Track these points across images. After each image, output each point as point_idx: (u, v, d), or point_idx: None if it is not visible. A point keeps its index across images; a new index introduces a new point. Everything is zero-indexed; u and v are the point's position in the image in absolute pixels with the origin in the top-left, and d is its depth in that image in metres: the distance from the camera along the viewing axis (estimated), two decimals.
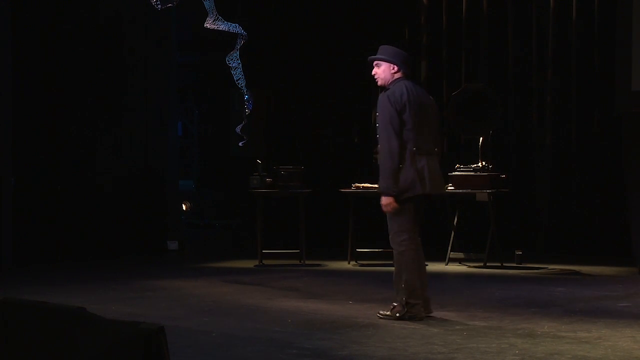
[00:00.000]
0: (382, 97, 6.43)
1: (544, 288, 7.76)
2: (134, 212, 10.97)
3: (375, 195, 9.91)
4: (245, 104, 9.55)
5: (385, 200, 6.29)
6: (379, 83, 6.62)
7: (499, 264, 9.29)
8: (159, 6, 8.92)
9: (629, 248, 9.78)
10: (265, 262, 9.56)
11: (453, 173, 9.49)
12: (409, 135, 6.25)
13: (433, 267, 9.51)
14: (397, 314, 6.19)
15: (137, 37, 11.14)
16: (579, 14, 10.40)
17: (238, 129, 9.68)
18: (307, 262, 9.48)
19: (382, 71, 6.60)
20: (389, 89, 6.44)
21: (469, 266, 9.49)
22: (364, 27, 12.23)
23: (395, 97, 6.32)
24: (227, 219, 14.18)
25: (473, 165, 9.43)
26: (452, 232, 9.65)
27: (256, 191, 9.60)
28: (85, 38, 10.81)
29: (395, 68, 6.54)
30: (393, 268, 6.44)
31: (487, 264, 9.32)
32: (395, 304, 6.24)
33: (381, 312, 6.31)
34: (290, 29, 12.72)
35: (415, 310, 6.21)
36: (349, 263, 9.61)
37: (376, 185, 9.53)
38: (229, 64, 9.45)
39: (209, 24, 9.24)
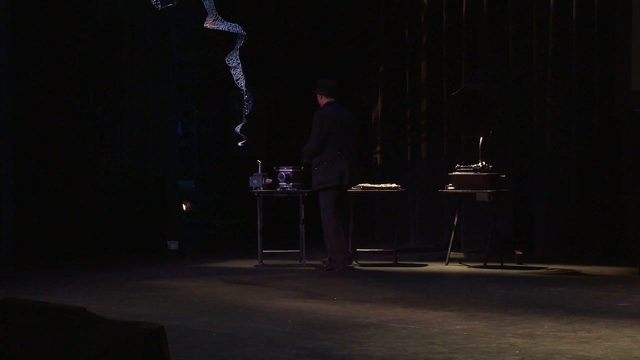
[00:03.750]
0: (316, 114, 9.05)
1: (544, 288, 7.75)
2: (134, 212, 10.98)
3: (376, 195, 9.96)
4: (245, 104, 9.55)
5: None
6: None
7: (499, 264, 9.29)
8: (159, 6, 8.92)
9: (629, 248, 9.78)
10: (265, 262, 9.56)
11: (453, 173, 9.49)
12: (333, 143, 8.91)
13: (433, 267, 9.52)
14: (324, 266, 8.98)
15: (137, 37, 11.15)
16: (579, 14, 10.40)
17: (238, 128, 9.68)
18: (307, 262, 9.48)
19: (319, 99, 9.19)
20: (319, 110, 9.10)
21: (469, 266, 9.49)
22: (364, 27, 12.24)
23: (322, 118, 8.98)
24: (227, 219, 14.18)
25: (473, 165, 9.42)
26: (452, 232, 9.65)
27: (256, 191, 9.60)
28: (85, 38, 10.82)
29: (322, 96, 9.13)
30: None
31: (487, 264, 9.31)
32: (327, 260, 9.01)
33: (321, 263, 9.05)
34: (290, 29, 12.74)
35: (334, 264, 8.90)
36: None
37: (377, 185, 9.62)
38: (229, 64, 9.45)
39: (208, 24, 9.24)
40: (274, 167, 9.67)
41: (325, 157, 8.97)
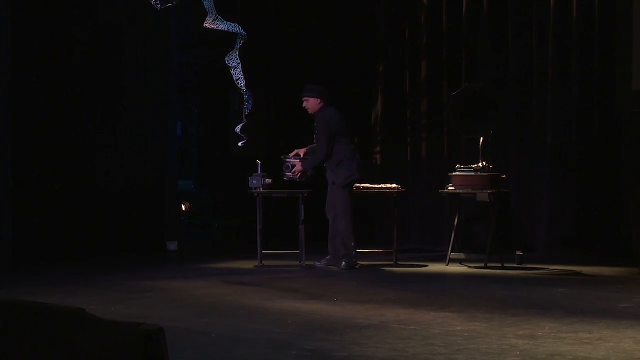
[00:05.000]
0: (321, 119, 9.18)
1: (544, 289, 7.74)
2: (133, 212, 10.95)
3: (376, 196, 9.94)
4: (245, 104, 9.54)
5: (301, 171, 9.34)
6: (309, 112, 9.30)
7: (500, 265, 9.28)
8: (159, 5, 8.91)
9: (629, 248, 9.76)
10: (264, 262, 9.54)
11: (453, 173, 9.48)
12: (345, 140, 9.23)
13: (433, 267, 9.51)
14: (351, 262, 9.12)
15: (136, 36, 11.12)
16: (579, 14, 10.39)
17: (237, 128, 9.67)
18: (306, 262, 9.47)
19: (310, 104, 9.25)
20: (320, 113, 9.20)
21: (470, 267, 9.48)
22: (364, 27, 12.23)
23: (329, 121, 9.15)
24: (226, 219, 14.17)
25: (473, 166, 9.41)
26: (453, 233, 9.64)
27: (255, 191, 9.58)
28: (85, 38, 10.79)
29: (319, 100, 9.19)
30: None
31: (488, 265, 9.30)
32: (344, 257, 9.15)
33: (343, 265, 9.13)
34: (290, 29, 12.72)
35: (350, 259, 9.16)
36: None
37: (377, 185, 9.60)
38: (229, 63, 9.44)
39: (208, 24, 9.23)
40: (282, 156, 9.54)
41: (343, 153, 9.19)
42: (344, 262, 9.16)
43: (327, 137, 9.15)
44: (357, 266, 9.22)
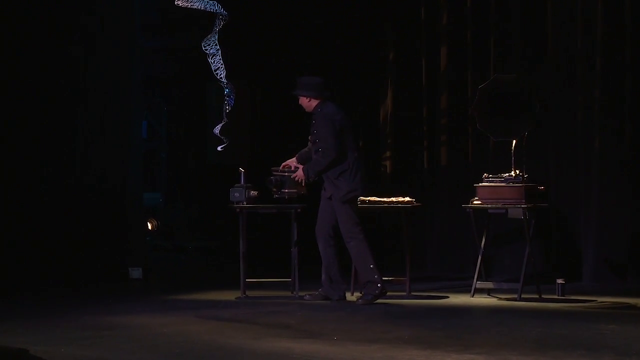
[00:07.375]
0: (321, 116, 9.17)
1: (591, 326, 7.76)
2: (88, 232, 10.95)
3: (385, 212, 9.96)
4: (226, 100, 9.56)
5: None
6: (306, 110, 9.36)
7: (537, 296, 9.30)
8: None
9: None
10: (249, 293, 9.55)
11: (480, 184, 9.50)
12: (349, 145, 9.18)
13: (456, 299, 9.52)
14: (376, 293, 9.03)
15: (92, 17, 11.13)
16: None
17: (216, 129, 9.69)
18: (300, 293, 9.48)
19: (305, 102, 9.30)
20: (319, 110, 9.20)
21: (500, 298, 9.50)
22: (370, 7, 12.24)
23: (331, 118, 9.14)
24: (202, 240, 14.17)
25: (505, 175, 9.43)
26: (479, 257, 9.65)
27: (238, 206, 9.59)
28: (32, 20, 10.78)
29: (311, 99, 9.25)
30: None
31: (522, 296, 9.32)
32: (366, 288, 9.12)
33: (360, 300, 9.07)
34: (280, 9, 12.73)
35: (375, 289, 9.05)
36: (352, 294, 9.61)
37: (386, 199, 9.61)
38: (206, 50, 9.47)
39: (180, 2, 9.26)
40: (272, 168, 9.43)
41: (347, 162, 9.11)
42: (364, 294, 9.10)
43: (333, 136, 9.07)
44: (385, 293, 9.15)
